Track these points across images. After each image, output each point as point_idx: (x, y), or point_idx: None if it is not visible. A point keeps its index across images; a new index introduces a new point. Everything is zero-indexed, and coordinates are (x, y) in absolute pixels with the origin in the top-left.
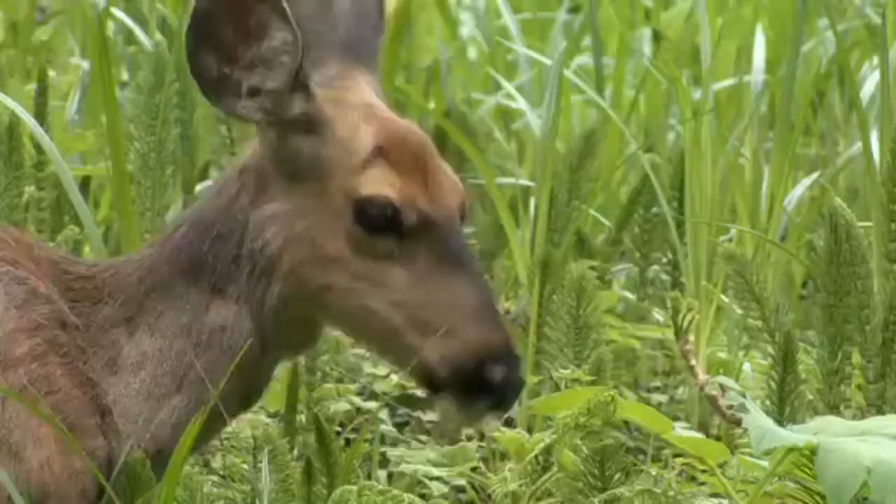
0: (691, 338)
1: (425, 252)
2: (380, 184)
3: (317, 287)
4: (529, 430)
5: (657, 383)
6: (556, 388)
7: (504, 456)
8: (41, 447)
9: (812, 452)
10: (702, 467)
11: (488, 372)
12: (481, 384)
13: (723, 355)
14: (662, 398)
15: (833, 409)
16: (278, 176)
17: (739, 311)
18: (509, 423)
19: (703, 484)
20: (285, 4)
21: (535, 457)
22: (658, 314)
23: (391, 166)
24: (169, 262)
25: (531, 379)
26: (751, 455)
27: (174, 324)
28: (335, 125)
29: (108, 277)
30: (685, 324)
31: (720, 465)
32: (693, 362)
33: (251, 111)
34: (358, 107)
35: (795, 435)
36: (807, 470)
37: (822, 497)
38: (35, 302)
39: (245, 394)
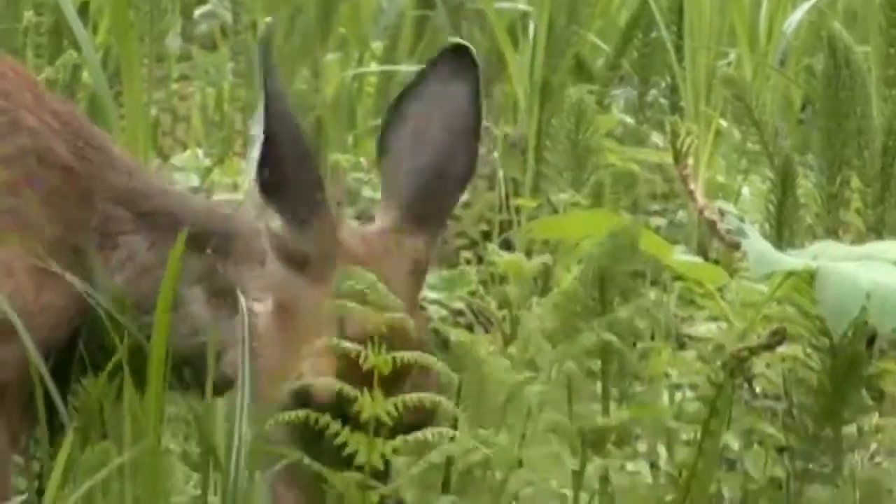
0: (690, 162)
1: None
2: (318, 377)
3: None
4: (528, 254)
5: (656, 207)
6: (555, 211)
7: (503, 279)
8: (12, 276)
9: (811, 277)
10: (701, 291)
11: None
12: None
13: (721, 179)
14: (661, 222)
15: (832, 233)
16: (273, 295)
17: (738, 135)
18: (508, 247)
19: (701, 307)
20: (267, 91)
21: (534, 280)
22: (657, 138)
23: (344, 362)
24: (192, 222)
25: (530, 202)
26: (749, 279)
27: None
28: (328, 288)
29: (137, 166)
30: (684, 148)
31: (719, 289)
32: (692, 186)
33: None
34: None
35: (794, 259)
36: (806, 294)
37: (821, 321)
38: (16, 133)
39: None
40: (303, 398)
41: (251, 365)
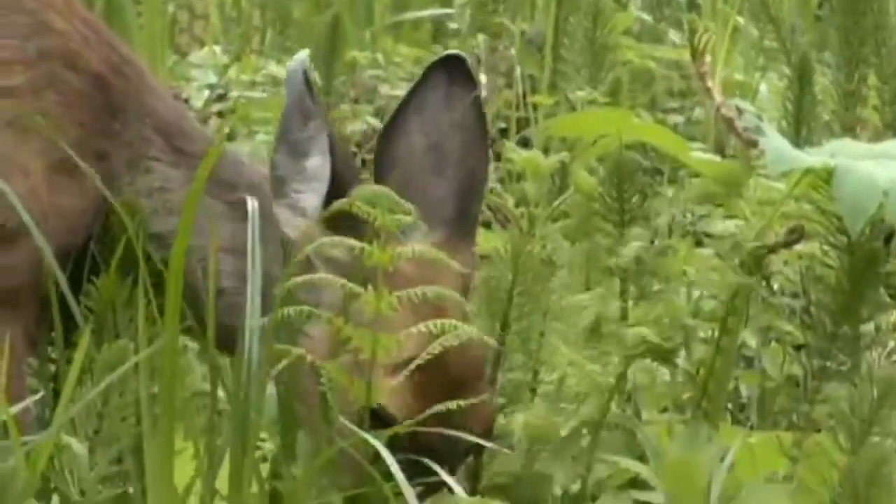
0: (707, 59)
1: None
2: (393, 399)
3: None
4: (545, 151)
5: (673, 104)
6: (573, 108)
7: (520, 177)
8: (28, 177)
9: (828, 174)
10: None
11: None
12: None
13: (739, 76)
14: (679, 119)
15: (849, 130)
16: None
17: (755, 32)
18: (525, 144)
19: (719, 205)
20: (328, 131)
21: (552, 177)
22: (674, 36)
23: (415, 384)
24: (231, 183)
25: (548, 100)
26: (767, 177)
27: (204, 213)
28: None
29: (181, 104)
30: (701, 45)
31: None
32: (709, 84)
33: (287, 222)
34: (421, 304)
35: (812, 157)
36: (823, 192)
37: (839, 219)
38: (43, 34)
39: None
40: (378, 417)
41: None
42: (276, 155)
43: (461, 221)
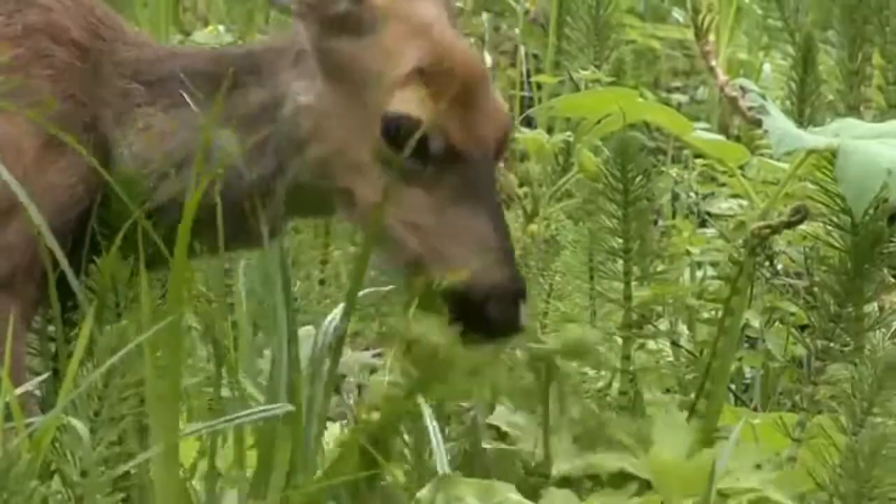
0: (711, 38)
1: (450, 182)
2: (411, 104)
3: (337, 186)
4: (549, 131)
5: (677, 84)
6: (576, 88)
7: (524, 156)
8: (21, 156)
9: (832, 154)
10: (722, 168)
11: (488, 311)
12: (480, 319)
13: (743, 56)
14: (683, 98)
15: (853, 109)
16: (319, 69)
17: (759, 12)
18: (529, 124)
19: (723, 185)
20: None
21: (556, 157)
22: (678, 14)
23: (429, 90)
24: (206, 70)
25: (551, 79)
26: (771, 156)
27: (190, 118)
28: (381, 34)
29: (146, 40)
30: (705, 24)
31: (740, 167)
32: (713, 63)
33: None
34: (412, 20)
35: (815, 137)
36: (827, 172)
37: (842, 198)
38: (26, 10)
39: (238, 231)
40: (398, 128)
41: None
42: None
43: None
